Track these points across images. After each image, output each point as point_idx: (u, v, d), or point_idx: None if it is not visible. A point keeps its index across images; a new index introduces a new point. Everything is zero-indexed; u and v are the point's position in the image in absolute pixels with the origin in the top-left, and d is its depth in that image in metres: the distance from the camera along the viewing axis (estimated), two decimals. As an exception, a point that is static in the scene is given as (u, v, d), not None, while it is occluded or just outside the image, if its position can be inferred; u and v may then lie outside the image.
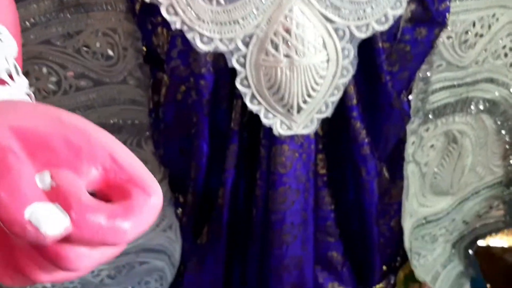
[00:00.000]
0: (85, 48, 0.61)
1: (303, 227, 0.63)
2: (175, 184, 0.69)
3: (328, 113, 0.55)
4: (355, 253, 0.71)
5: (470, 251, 0.86)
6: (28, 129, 0.26)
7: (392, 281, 0.74)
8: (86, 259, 0.26)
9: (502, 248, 1.08)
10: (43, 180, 0.26)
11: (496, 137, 0.74)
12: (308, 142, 0.58)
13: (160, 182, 0.70)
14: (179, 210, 0.70)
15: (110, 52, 0.60)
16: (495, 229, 0.84)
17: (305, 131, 0.56)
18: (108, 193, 0.27)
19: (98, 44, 0.60)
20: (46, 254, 0.25)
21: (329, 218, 0.68)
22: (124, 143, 0.68)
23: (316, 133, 0.60)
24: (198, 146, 0.59)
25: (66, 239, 0.25)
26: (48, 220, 0.24)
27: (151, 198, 0.27)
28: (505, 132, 0.74)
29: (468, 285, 0.82)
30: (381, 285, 0.73)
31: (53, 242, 0.25)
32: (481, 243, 0.94)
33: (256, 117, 0.56)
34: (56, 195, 0.25)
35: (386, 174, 0.67)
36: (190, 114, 0.57)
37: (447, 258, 0.83)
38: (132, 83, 0.62)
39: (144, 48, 0.56)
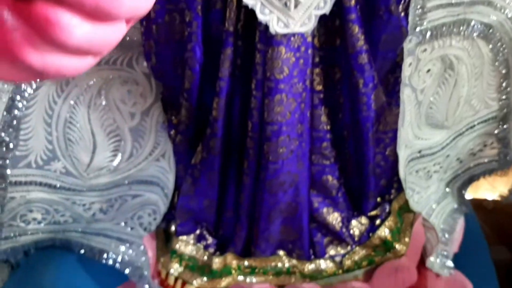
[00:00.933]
0: None
1: (299, 142, 0.60)
2: (168, 103, 0.65)
3: (326, 9, 0.52)
4: (350, 178, 0.68)
5: (464, 192, 0.83)
6: None
7: (387, 210, 0.71)
8: (77, 30, 0.22)
9: (494, 201, 1.06)
10: None
11: (491, 68, 0.71)
12: (305, 45, 0.54)
13: (152, 105, 0.67)
14: (173, 131, 0.66)
15: None
16: (489, 170, 0.81)
17: (302, 29, 0.52)
18: None
19: None
20: (34, 19, 0.22)
21: (325, 139, 0.65)
22: (114, 62, 0.65)
23: (313, 44, 0.56)
24: (191, 51, 0.55)
25: (56, 1, 0.22)
26: None
27: None
28: (499, 63, 0.71)
29: (462, 219, 0.79)
30: (376, 211, 0.70)
31: None
32: (472, 195, 0.91)
33: (252, 20, 0.53)
34: None
35: (383, 96, 0.64)
36: (182, 13, 0.53)
37: (441, 196, 0.80)
38: None
39: None
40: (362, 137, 0.63)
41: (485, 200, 1.07)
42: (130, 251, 0.76)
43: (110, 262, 0.76)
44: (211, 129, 0.60)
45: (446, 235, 0.78)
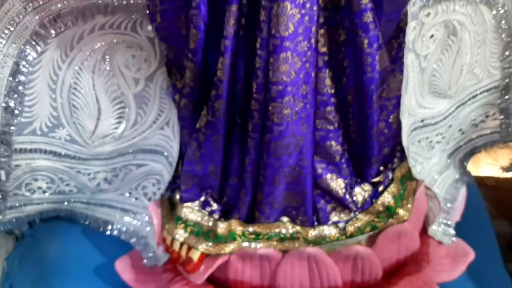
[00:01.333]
0: None
1: (304, 103, 0.59)
2: (173, 66, 0.64)
3: (331, -37, 0.51)
4: (354, 144, 0.67)
5: (465, 163, 0.82)
6: None
7: (390, 177, 0.70)
8: None
9: (495, 178, 1.06)
10: None
11: (494, 36, 0.70)
12: (310, 2, 0.53)
13: (156, 71, 0.66)
14: (177, 96, 0.65)
15: None
16: (491, 142, 0.80)
17: (308, -16, 0.51)
18: None
19: None
20: None
21: (329, 103, 0.64)
22: (119, 26, 0.64)
23: (317, 1, 0.55)
24: (196, 8, 0.55)
25: None
26: None
27: None
28: (502, 31, 0.70)
29: (464, 189, 0.78)
30: (379, 178, 0.69)
31: None
32: (473, 172, 0.90)
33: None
34: None
35: (387, 60, 0.63)
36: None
37: (443, 167, 0.79)
38: None
39: None
40: (366, 100, 0.62)
41: (487, 177, 1.07)
42: (135, 221, 0.75)
43: (115, 232, 0.75)
44: (216, 90, 0.59)
45: (448, 204, 0.77)
